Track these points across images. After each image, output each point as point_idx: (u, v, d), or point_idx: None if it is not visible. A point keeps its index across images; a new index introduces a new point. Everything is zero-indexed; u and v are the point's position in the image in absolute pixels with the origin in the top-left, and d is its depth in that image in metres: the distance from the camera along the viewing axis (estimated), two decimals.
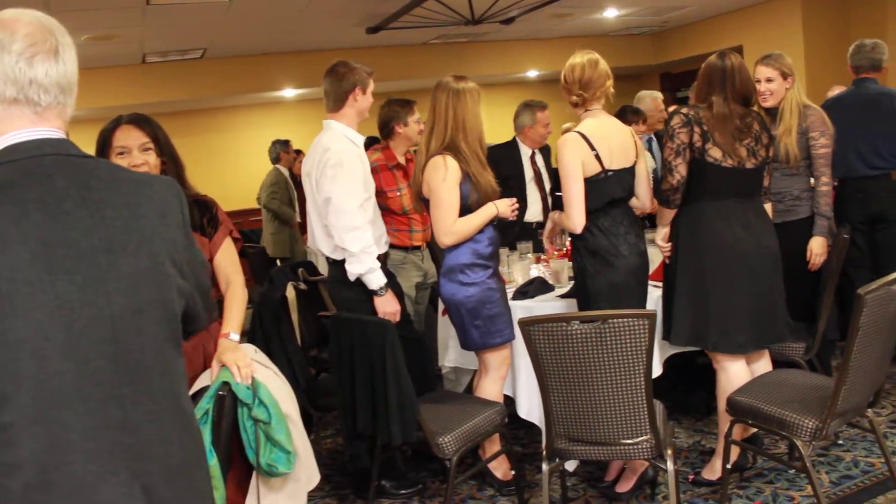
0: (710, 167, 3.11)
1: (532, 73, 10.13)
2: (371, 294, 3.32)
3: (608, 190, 3.09)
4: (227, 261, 2.63)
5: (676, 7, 8.64)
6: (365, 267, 3.27)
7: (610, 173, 3.08)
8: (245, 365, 2.33)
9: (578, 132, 3.10)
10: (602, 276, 3.09)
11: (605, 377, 2.59)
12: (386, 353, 2.86)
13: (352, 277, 3.32)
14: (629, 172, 3.18)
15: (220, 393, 2.30)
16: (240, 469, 2.39)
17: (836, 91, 5.45)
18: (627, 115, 5.24)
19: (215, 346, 2.42)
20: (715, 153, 3.10)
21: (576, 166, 3.04)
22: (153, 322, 1.40)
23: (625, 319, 2.50)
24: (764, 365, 3.36)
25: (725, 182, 3.14)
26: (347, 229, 3.24)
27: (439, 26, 6.95)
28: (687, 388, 4.32)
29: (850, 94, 4.56)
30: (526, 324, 2.61)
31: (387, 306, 3.32)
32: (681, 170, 3.13)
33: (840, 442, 3.62)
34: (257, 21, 6.81)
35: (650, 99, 5.90)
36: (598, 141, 3.08)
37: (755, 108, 3.35)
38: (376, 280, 3.31)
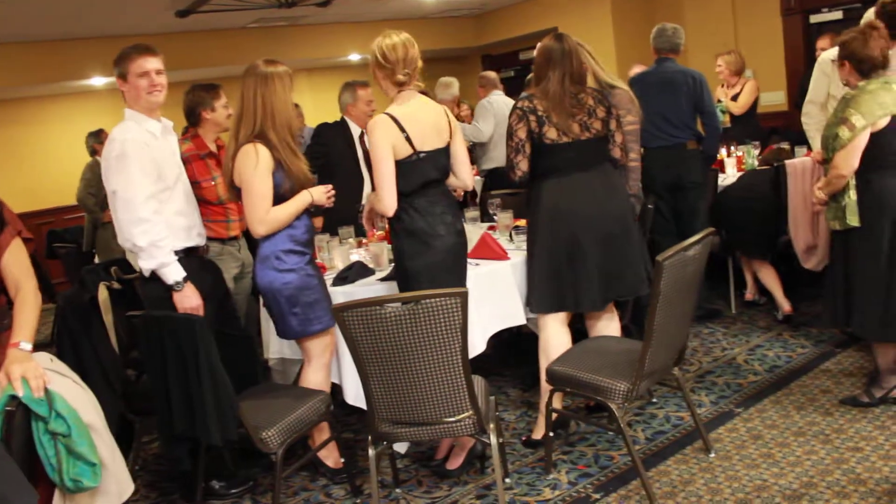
0: (549, 147, 3.32)
1: (354, 57, 10.03)
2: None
3: (422, 171, 3.09)
4: (15, 264, 2.43)
5: None
6: (156, 262, 3.12)
7: (422, 155, 3.08)
8: (36, 376, 2.16)
9: (388, 114, 3.08)
10: (420, 257, 3.10)
11: (423, 358, 2.59)
12: (198, 349, 2.74)
13: (146, 273, 3.16)
14: (443, 153, 3.20)
15: (8, 409, 2.12)
16: (46, 488, 2.22)
17: (636, 69, 5.76)
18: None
19: (4, 357, 2.23)
20: (551, 134, 3.31)
21: (386, 149, 3.02)
22: None
23: (438, 299, 2.51)
24: (610, 326, 3.59)
25: (565, 158, 3.34)
26: (134, 223, 3.08)
27: (254, 9, 6.74)
28: (515, 362, 4.44)
29: (652, 72, 4.83)
30: (339, 310, 2.57)
31: (185, 301, 3.17)
32: (522, 166, 3.36)
33: (654, 400, 3.83)
34: (52, 3, 6.32)
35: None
36: (409, 123, 3.07)
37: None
38: (172, 274, 3.16)
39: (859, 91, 3.37)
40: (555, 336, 3.44)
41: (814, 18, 7.50)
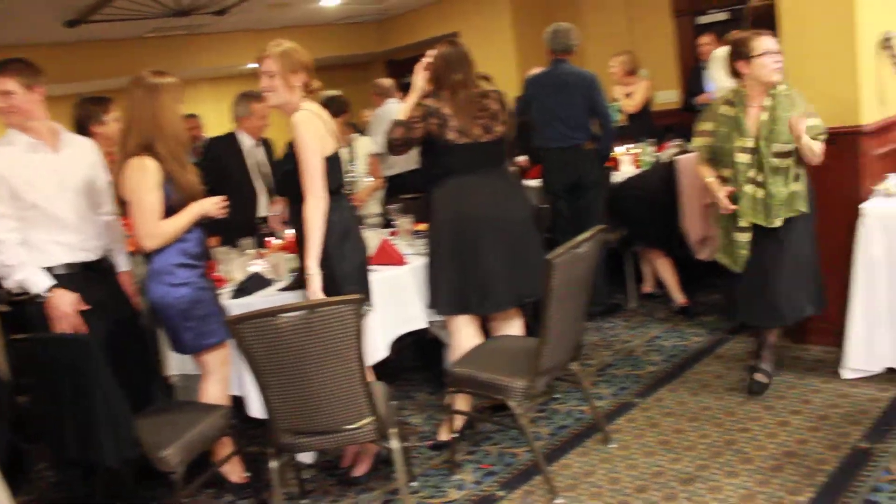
0: (449, 148, 3.37)
1: (255, 66, 9.91)
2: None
3: (337, 171, 3.10)
4: None
5: None
6: (16, 279, 3.07)
7: (333, 156, 3.09)
8: None
9: (310, 110, 3.04)
10: (350, 259, 3.08)
11: (320, 366, 2.59)
12: (88, 369, 2.66)
13: (16, 291, 3.09)
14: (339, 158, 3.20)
15: None
16: None
17: (535, 71, 5.86)
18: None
19: None
20: (452, 135, 3.36)
21: (315, 143, 2.97)
22: None
23: (333, 307, 2.52)
24: (513, 326, 3.63)
25: (465, 159, 3.40)
26: None
27: (147, 19, 6.59)
28: (420, 365, 4.47)
29: (548, 74, 4.92)
30: (234, 322, 2.55)
31: (57, 306, 3.08)
32: (400, 151, 3.48)
33: (557, 396, 3.92)
34: None
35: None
36: (325, 122, 3.09)
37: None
38: (36, 285, 3.09)
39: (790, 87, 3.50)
40: (467, 339, 3.48)
41: (701, 19, 7.79)
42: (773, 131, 3.37)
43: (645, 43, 8.07)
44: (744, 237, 3.50)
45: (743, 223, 3.48)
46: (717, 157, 3.56)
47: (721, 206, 3.51)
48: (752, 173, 3.43)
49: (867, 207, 3.54)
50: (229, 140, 4.84)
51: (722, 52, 4.32)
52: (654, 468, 3.09)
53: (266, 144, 4.93)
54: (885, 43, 3.82)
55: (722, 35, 5.17)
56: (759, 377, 3.64)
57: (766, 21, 3.91)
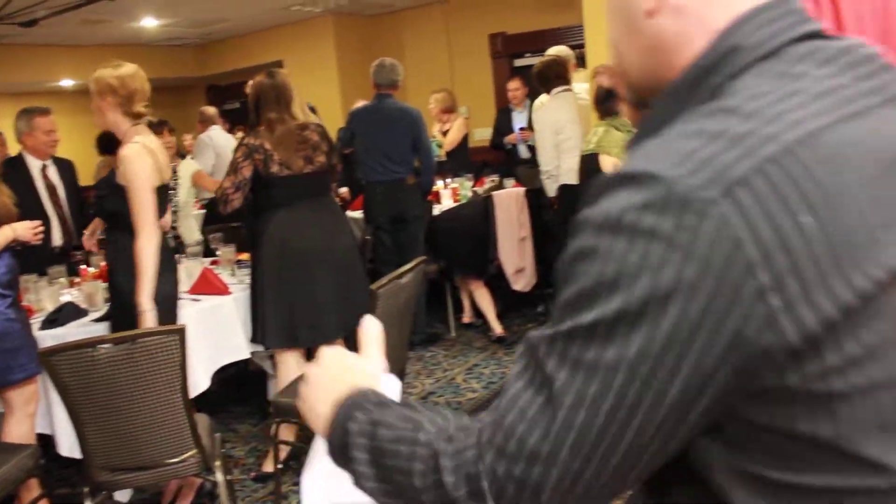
0: (273, 181, 3.36)
1: (67, 83, 9.40)
2: None
3: (163, 204, 3.03)
4: None
5: (217, 20, 8.70)
6: None
7: (162, 187, 3.02)
8: None
9: (142, 144, 2.95)
10: (163, 288, 2.99)
11: (141, 399, 2.52)
12: None
13: None
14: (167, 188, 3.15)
15: None
16: None
17: (359, 104, 5.99)
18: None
19: None
20: (275, 168, 3.34)
21: (150, 180, 2.90)
22: None
23: (155, 337, 2.47)
24: None
25: (289, 191, 3.39)
26: None
27: None
28: (243, 397, 4.41)
29: (372, 108, 5.04)
30: (46, 354, 2.43)
31: None
32: (235, 203, 3.37)
33: None
34: None
35: None
36: (158, 154, 3.00)
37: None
38: None
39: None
40: (292, 369, 3.46)
41: (517, 62, 8.25)
42: None
43: (465, 81, 8.43)
44: None
45: None
46: None
47: None
48: None
49: None
50: (16, 162, 4.51)
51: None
52: None
53: (63, 165, 4.65)
54: None
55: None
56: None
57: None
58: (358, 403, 0.82)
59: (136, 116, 3.00)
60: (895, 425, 0.67)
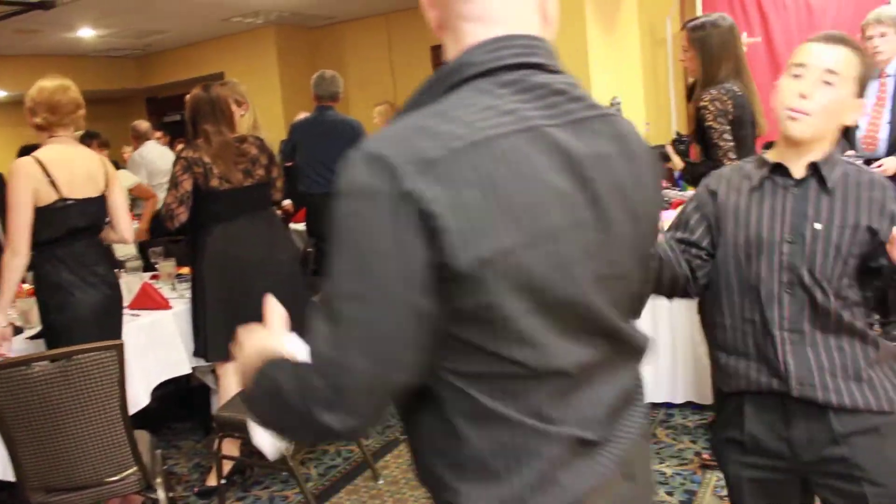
0: (213, 195, 3.33)
1: (0, 93, 9.17)
2: None
3: (68, 219, 2.96)
4: None
5: (157, 31, 8.59)
6: None
7: (70, 202, 2.96)
8: None
9: (35, 157, 2.92)
10: (67, 311, 2.95)
11: (79, 417, 2.47)
12: None
13: None
14: (95, 203, 3.09)
15: None
16: None
17: (301, 116, 5.98)
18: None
19: None
20: (214, 182, 3.32)
21: (25, 195, 2.85)
22: None
23: (92, 354, 2.42)
24: None
25: (229, 204, 3.37)
26: None
27: None
28: (185, 413, 4.34)
29: (314, 120, 5.06)
30: None
31: None
32: (181, 218, 3.34)
33: None
34: None
35: None
36: (59, 168, 2.94)
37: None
38: None
39: None
40: (235, 383, 3.45)
41: None
42: None
43: (407, 93, 8.26)
44: None
45: None
46: None
47: None
48: None
49: None
50: None
51: None
52: (421, 500, 3.23)
53: None
54: (614, 106, 4.34)
55: None
56: None
57: None
58: (261, 370, 1.09)
59: (38, 129, 3.00)
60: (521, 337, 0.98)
